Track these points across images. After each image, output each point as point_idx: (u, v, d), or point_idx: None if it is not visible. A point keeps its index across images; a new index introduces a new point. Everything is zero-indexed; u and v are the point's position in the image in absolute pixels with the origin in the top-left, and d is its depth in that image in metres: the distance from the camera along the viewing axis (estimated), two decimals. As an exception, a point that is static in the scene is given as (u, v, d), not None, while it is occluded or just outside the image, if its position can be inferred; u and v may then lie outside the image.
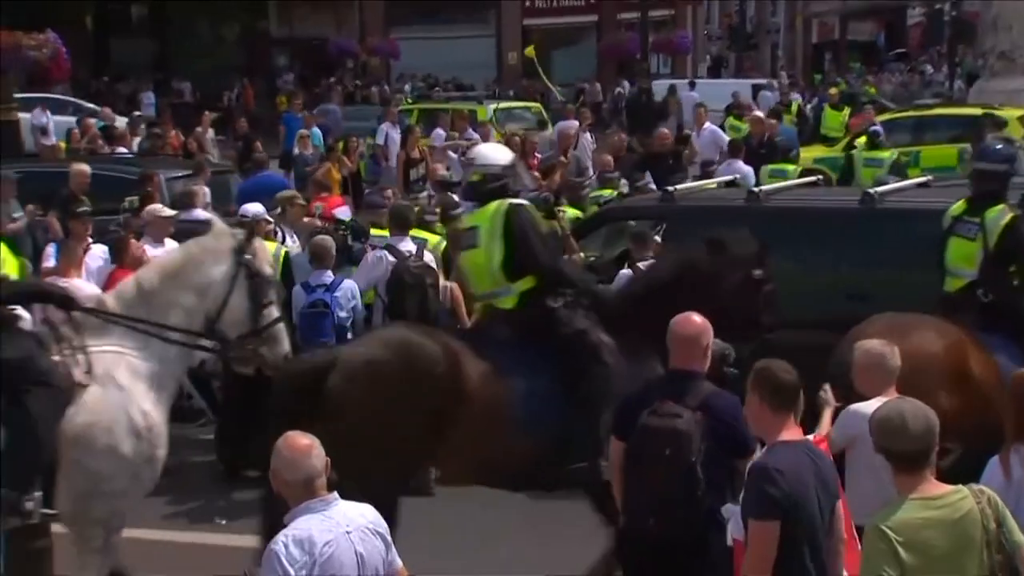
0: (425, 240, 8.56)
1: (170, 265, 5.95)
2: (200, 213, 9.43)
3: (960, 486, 4.03)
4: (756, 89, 28.02)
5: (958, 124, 17.94)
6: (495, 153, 6.80)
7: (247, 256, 5.74)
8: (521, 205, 6.33)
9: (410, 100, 27.85)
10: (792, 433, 4.45)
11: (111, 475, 5.38)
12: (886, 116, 19.97)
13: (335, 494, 4.02)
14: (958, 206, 6.76)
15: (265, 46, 39.21)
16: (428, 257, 8.26)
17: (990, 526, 3.96)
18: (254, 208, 8.87)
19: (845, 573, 4.48)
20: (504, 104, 25.15)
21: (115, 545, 5.58)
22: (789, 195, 9.06)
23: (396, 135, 16.66)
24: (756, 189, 9.01)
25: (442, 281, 8.12)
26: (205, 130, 18.73)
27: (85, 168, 11.05)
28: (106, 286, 7.39)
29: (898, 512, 3.88)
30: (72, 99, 26.44)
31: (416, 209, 9.65)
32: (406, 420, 5.57)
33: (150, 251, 8.29)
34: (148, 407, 5.48)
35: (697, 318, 4.89)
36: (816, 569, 4.35)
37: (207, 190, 11.19)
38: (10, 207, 10.66)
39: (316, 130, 17.75)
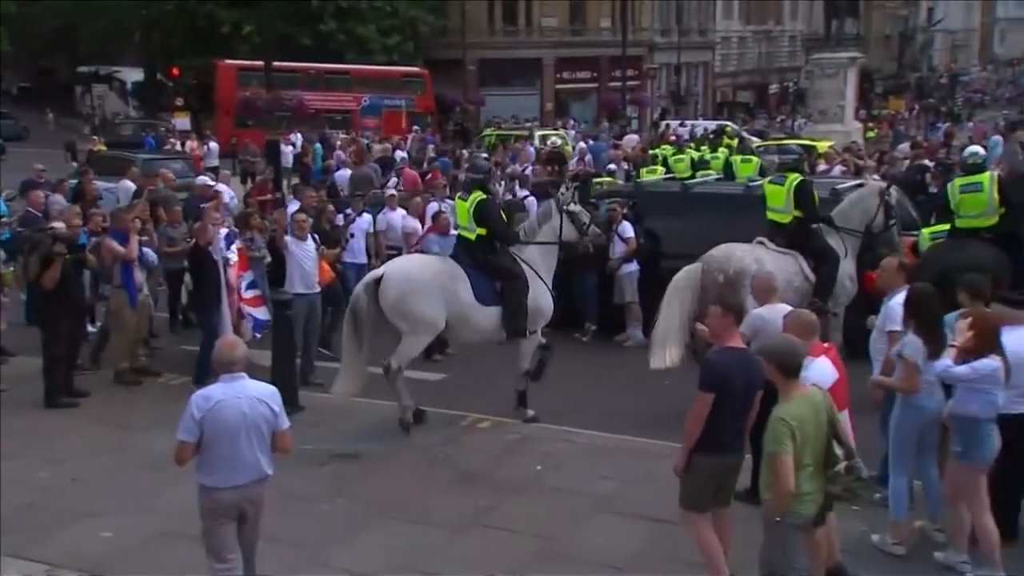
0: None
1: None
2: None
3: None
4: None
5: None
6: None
7: None
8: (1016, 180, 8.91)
9: (491, 130, 38.27)
10: (736, 341, 5.53)
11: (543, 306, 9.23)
12: (757, 144, 26.08)
13: (244, 374, 5.10)
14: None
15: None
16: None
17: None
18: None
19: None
20: (543, 132, 34.69)
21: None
22: (706, 187, 13.07)
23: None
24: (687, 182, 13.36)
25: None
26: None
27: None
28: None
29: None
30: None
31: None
32: None
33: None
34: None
35: None
36: (735, 428, 5.48)
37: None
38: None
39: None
